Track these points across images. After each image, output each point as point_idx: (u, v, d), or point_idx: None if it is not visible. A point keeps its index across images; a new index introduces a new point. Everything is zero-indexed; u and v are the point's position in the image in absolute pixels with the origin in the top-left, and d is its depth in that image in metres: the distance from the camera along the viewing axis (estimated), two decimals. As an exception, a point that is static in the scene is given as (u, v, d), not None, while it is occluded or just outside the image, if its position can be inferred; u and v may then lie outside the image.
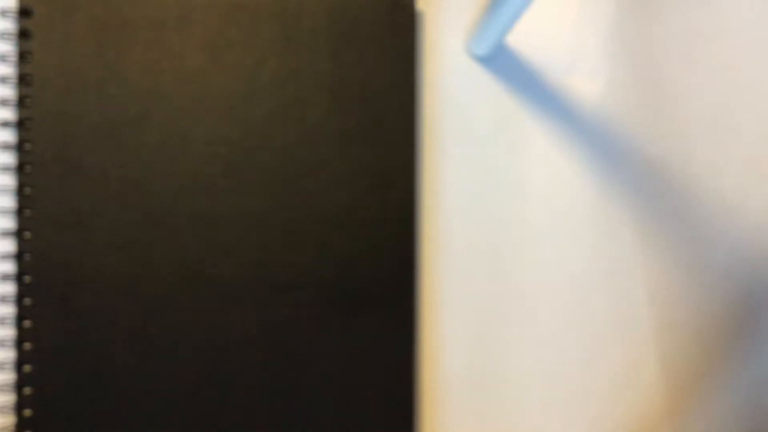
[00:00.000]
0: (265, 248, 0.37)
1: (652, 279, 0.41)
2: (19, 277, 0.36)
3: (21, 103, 0.37)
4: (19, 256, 0.36)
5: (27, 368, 0.36)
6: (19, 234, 0.36)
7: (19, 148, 0.36)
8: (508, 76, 0.41)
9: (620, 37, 0.42)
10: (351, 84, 0.38)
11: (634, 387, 0.41)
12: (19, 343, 0.36)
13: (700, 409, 0.42)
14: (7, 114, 0.37)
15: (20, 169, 0.36)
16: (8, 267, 0.37)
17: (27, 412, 0.36)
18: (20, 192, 0.36)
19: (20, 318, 0.36)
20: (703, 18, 0.42)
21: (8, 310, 0.37)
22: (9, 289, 0.37)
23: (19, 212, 0.36)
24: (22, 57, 0.37)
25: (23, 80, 0.37)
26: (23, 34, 0.37)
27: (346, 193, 0.38)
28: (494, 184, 0.41)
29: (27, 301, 0.36)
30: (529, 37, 0.41)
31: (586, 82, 0.41)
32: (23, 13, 0.37)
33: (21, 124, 0.36)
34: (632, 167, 0.41)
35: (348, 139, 0.38)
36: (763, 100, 0.42)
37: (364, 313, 0.38)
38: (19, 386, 0.36)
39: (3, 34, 0.37)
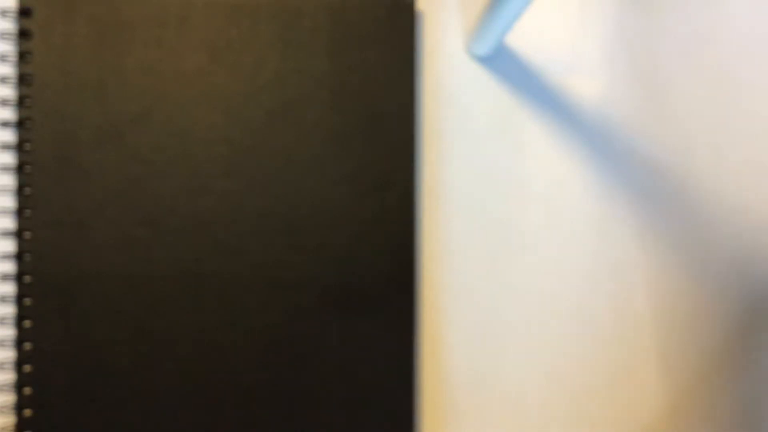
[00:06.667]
0: (265, 248, 0.37)
1: (652, 279, 0.41)
2: (19, 277, 0.36)
3: (21, 103, 0.37)
4: (19, 256, 0.36)
5: (27, 368, 0.36)
6: (19, 234, 0.36)
7: (19, 148, 0.36)
8: (508, 76, 0.41)
9: (620, 37, 0.42)
10: (351, 84, 0.38)
11: (634, 387, 0.41)
12: (19, 343, 0.36)
13: (700, 409, 0.42)
14: (7, 114, 0.37)
15: (20, 169, 0.36)
16: (8, 267, 0.37)
17: (27, 412, 0.36)
18: (20, 192, 0.36)
19: (20, 318, 0.36)
20: (703, 18, 0.42)
21: (8, 310, 0.37)
22: (9, 289, 0.37)
23: (19, 212, 0.36)
24: (22, 57, 0.37)
25: (23, 80, 0.37)
26: (23, 34, 0.37)
27: (346, 193, 0.38)
28: (494, 184, 0.41)
29: (27, 301, 0.36)
30: (529, 37, 0.41)
31: (586, 82, 0.41)
32: (23, 13, 0.37)
33: (21, 124, 0.36)
34: (632, 167, 0.41)
35: (348, 139, 0.38)
36: (762, 100, 0.42)
37: (364, 313, 0.38)
38: (19, 386, 0.36)
39: (3, 34, 0.37)
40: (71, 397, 0.36)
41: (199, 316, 0.37)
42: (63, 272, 0.36)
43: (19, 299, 0.36)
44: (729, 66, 0.42)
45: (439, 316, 0.40)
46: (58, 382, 0.36)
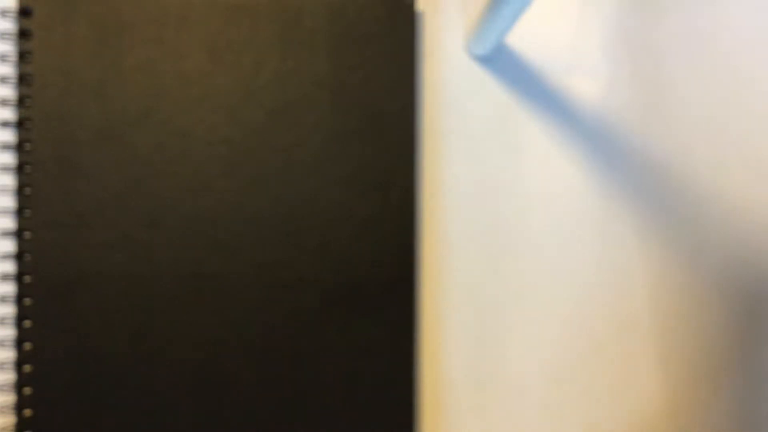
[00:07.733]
0: (265, 248, 0.37)
1: (652, 279, 0.41)
2: (19, 277, 0.36)
3: (21, 103, 0.37)
4: (19, 256, 0.36)
5: (27, 368, 0.36)
6: (19, 234, 0.36)
7: (19, 148, 0.36)
8: (508, 76, 0.41)
9: (620, 37, 0.42)
10: (351, 84, 0.38)
11: (634, 387, 0.41)
12: (19, 343, 0.36)
13: (700, 409, 0.42)
14: (7, 114, 0.37)
15: (20, 169, 0.36)
16: (8, 267, 0.37)
17: (27, 412, 0.36)
18: (20, 192, 0.36)
19: (20, 318, 0.36)
20: (703, 18, 0.42)
21: (8, 310, 0.37)
22: (9, 289, 0.37)
23: (19, 212, 0.36)
24: (22, 57, 0.37)
25: (23, 80, 0.37)
26: (23, 34, 0.37)
27: (346, 193, 0.38)
28: (494, 184, 0.41)
29: (27, 301, 0.36)
30: (529, 37, 0.41)
31: (586, 81, 0.41)
32: (23, 13, 0.37)
33: (21, 124, 0.36)
34: (632, 167, 0.41)
35: (348, 139, 0.38)
36: (763, 100, 0.42)
37: (364, 313, 0.38)
38: (19, 386, 0.36)
39: (3, 34, 0.37)
40: (71, 397, 0.36)
41: (199, 316, 0.37)
42: (63, 272, 0.36)
43: (19, 299, 0.36)
44: (729, 66, 0.42)
45: (439, 316, 0.40)
46: (58, 382, 0.36)
